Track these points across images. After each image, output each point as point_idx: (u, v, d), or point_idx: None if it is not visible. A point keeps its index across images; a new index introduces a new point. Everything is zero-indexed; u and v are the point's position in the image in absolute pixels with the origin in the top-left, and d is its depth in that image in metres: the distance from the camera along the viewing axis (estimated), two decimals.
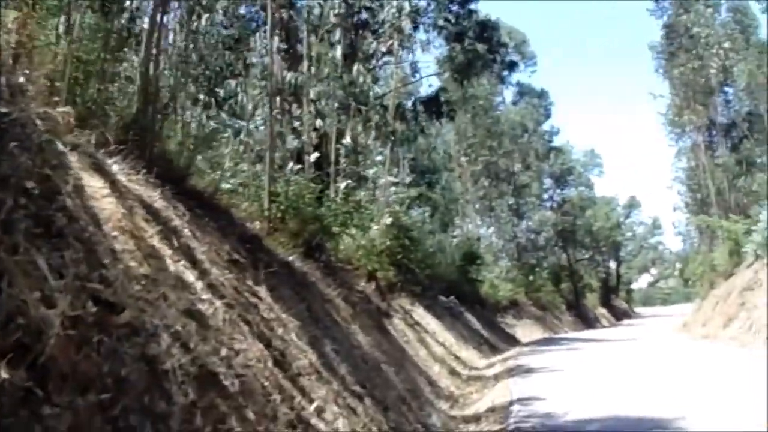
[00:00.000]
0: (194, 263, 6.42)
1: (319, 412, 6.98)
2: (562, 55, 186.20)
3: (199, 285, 6.16)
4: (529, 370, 20.21)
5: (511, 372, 20.57)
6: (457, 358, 25.27)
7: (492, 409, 13.54)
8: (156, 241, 6.02)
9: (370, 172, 24.81)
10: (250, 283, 7.87)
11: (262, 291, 8.02)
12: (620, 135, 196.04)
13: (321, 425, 6.77)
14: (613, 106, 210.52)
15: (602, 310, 79.11)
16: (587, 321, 66.83)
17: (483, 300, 43.49)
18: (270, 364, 6.46)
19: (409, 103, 34.53)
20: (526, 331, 47.94)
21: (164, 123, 9.60)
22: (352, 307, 13.23)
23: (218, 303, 6.16)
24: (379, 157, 26.68)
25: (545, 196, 71.86)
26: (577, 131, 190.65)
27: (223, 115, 19.28)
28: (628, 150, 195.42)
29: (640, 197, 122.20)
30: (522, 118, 64.21)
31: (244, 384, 5.50)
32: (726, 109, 52.78)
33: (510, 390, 16.01)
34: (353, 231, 19.91)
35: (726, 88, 52.65)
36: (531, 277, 58.78)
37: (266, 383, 6.07)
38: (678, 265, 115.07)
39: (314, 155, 21.14)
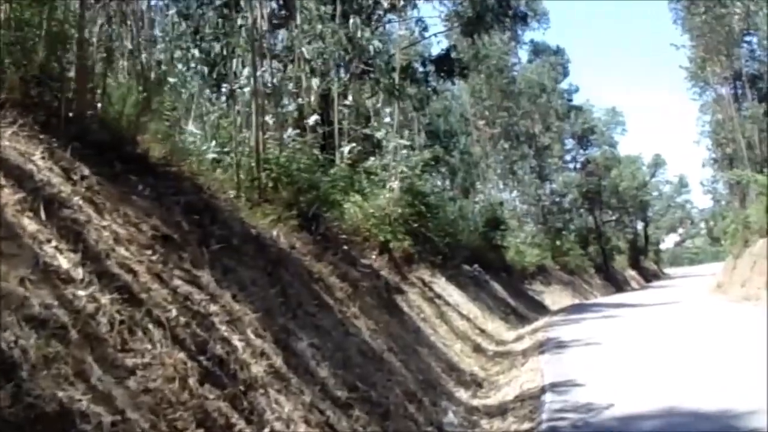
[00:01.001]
0: (79, 242, 4.44)
1: None
2: (575, 12, 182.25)
3: (79, 273, 4.20)
4: (561, 345, 18.18)
5: (542, 347, 18.51)
6: (482, 331, 23.33)
7: (521, 398, 11.54)
8: (11, 213, 4.08)
9: (378, 135, 22.77)
10: (188, 266, 5.90)
11: (205, 275, 6.05)
12: (642, 92, 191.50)
13: None
14: (633, 61, 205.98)
15: (631, 272, 77.58)
16: (617, 284, 65.21)
17: (509, 267, 41.55)
18: (194, 380, 4.49)
19: (419, 64, 32.34)
20: (555, 297, 46.04)
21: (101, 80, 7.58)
22: (353, 285, 11.26)
23: (106, 298, 4.19)
24: (387, 119, 24.58)
25: (568, 157, 69.83)
26: (597, 90, 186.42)
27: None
28: (650, 107, 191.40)
29: (665, 155, 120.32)
30: (539, 77, 61.69)
31: (129, 423, 3.54)
32: (750, 59, 50.66)
33: (541, 371, 14.04)
34: (358, 199, 17.94)
35: (749, 37, 50.73)
36: (558, 242, 56.73)
37: (181, 413, 4.11)
38: (706, 224, 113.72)
39: (313, 118, 19.17)
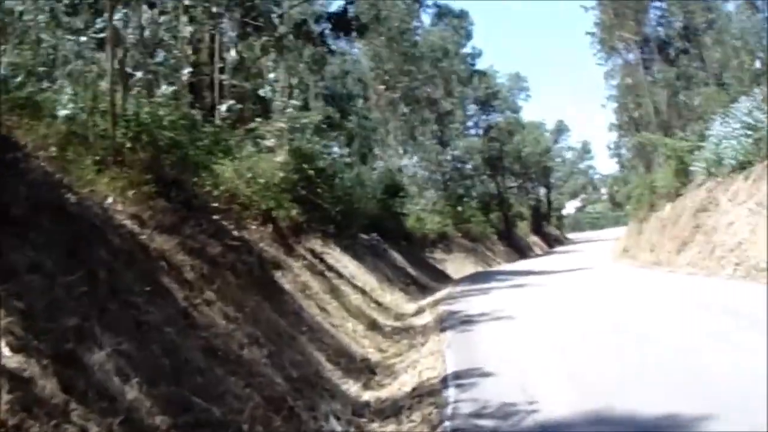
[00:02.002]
0: None
1: None
2: None
3: None
4: (466, 320, 16.40)
5: (444, 323, 16.75)
6: (379, 305, 21.57)
7: (419, 393, 9.68)
8: None
9: (262, 92, 20.61)
10: None
11: None
12: (547, 57, 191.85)
13: None
14: (538, 27, 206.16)
15: (534, 238, 77.12)
16: (520, 250, 64.59)
17: (409, 235, 39.94)
18: None
19: (314, 21, 30.07)
20: (457, 265, 44.65)
21: None
22: (211, 263, 9.18)
23: None
24: (272, 75, 22.36)
25: (470, 123, 68.26)
26: (501, 55, 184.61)
27: None
28: (555, 73, 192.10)
29: (568, 122, 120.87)
30: (442, 41, 59.79)
31: None
32: (659, 25, 50.28)
33: (444, 355, 12.23)
34: (238, 163, 15.80)
35: (658, 2, 50.31)
36: (459, 208, 55.31)
37: None
38: (609, 189, 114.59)
39: (186, 70, 16.95)
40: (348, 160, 39.76)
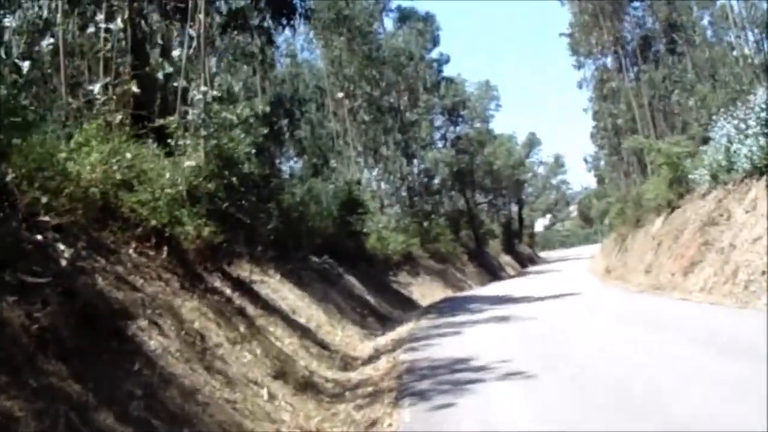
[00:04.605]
0: None
1: None
2: None
3: None
4: (437, 383, 11.59)
5: (404, 386, 11.95)
6: (323, 348, 16.90)
7: None
8: None
9: (161, 75, 15.90)
10: None
11: None
12: (518, 66, 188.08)
13: None
14: (509, 34, 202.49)
15: (506, 258, 73.98)
16: (492, 271, 61.22)
17: (370, 256, 35.52)
18: None
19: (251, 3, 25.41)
20: (424, 289, 40.27)
21: None
22: None
23: None
24: (176, 52, 17.48)
25: (437, 135, 63.90)
26: (469, 62, 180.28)
27: None
28: (527, 81, 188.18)
29: (541, 134, 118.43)
30: (406, 45, 55.23)
31: None
32: (638, 27, 47.49)
33: None
34: (93, 157, 10.94)
35: (636, 3, 47.66)
36: (426, 226, 50.98)
37: None
38: (577, 207, 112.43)
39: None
40: (300, 173, 35.53)
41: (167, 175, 13.59)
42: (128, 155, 11.37)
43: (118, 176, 10.94)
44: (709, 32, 44.83)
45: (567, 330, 16.36)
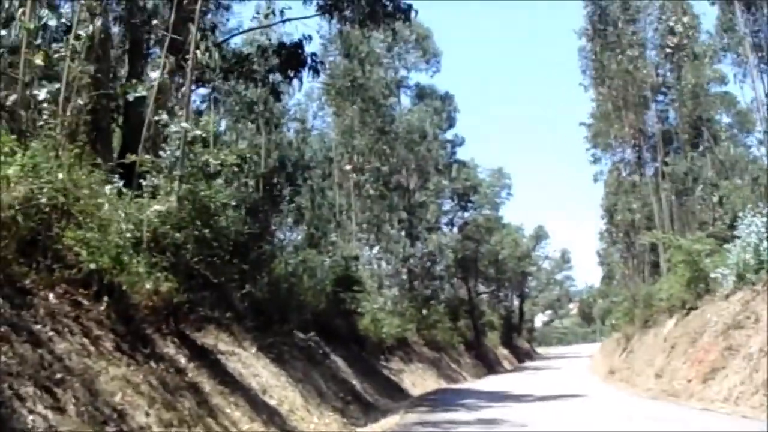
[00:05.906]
0: None
1: None
2: (468, 60, 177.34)
3: None
4: None
5: None
6: None
7: None
8: None
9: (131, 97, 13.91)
10: None
11: None
12: (532, 156, 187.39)
13: None
14: (526, 123, 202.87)
15: (504, 351, 71.97)
16: (488, 363, 59.11)
17: (362, 338, 33.13)
18: None
19: (257, 53, 23.70)
20: (416, 378, 37.91)
21: None
22: None
23: None
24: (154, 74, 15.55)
25: (445, 219, 61.81)
26: (484, 148, 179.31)
27: None
28: (540, 172, 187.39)
29: (549, 228, 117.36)
30: (421, 123, 53.53)
31: None
32: (660, 121, 46.06)
33: None
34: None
35: (660, 96, 46.20)
36: (425, 311, 48.68)
37: None
38: (578, 305, 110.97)
39: None
40: (294, 240, 33.65)
41: (122, 215, 11.54)
42: (60, 176, 9.18)
43: (43, 200, 8.78)
44: (735, 130, 44.11)
45: None
